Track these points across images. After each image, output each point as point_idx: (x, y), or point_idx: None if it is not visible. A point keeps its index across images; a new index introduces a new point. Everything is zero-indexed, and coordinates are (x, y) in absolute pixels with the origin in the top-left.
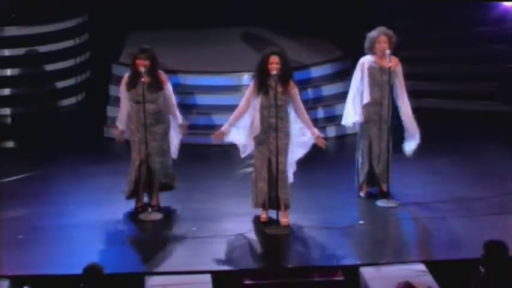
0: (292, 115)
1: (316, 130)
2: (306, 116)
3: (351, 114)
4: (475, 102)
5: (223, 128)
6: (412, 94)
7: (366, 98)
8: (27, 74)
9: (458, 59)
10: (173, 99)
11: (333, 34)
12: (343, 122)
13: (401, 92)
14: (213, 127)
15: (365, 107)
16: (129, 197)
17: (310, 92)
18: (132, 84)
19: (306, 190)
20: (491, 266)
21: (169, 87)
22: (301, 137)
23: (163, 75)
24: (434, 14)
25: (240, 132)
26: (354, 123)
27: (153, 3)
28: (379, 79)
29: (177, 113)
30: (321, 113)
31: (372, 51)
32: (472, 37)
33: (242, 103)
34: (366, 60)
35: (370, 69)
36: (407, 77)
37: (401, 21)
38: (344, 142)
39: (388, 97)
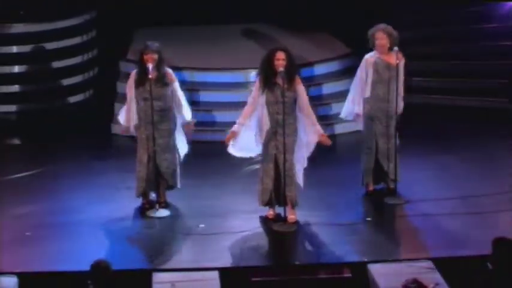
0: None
1: (319, 128)
2: (311, 112)
3: (351, 107)
4: (483, 99)
5: (234, 129)
6: (420, 91)
7: (367, 93)
8: (35, 71)
9: (467, 55)
10: (181, 97)
11: (336, 31)
12: (341, 115)
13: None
14: (219, 124)
15: (369, 103)
16: (140, 194)
17: (317, 89)
18: (140, 82)
19: (313, 187)
20: (499, 263)
21: (176, 85)
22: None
23: (170, 74)
24: (442, 11)
25: (249, 134)
26: (354, 117)
27: (159, 0)
28: (384, 75)
29: (184, 111)
30: (328, 110)
31: (374, 47)
32: (481, 33)
33: (250, 101)
34: (370, 56)
35: (375, 65)
36: (414, 73)
37: (408, 17)
38: (351, 139)
39: (395, 94)
